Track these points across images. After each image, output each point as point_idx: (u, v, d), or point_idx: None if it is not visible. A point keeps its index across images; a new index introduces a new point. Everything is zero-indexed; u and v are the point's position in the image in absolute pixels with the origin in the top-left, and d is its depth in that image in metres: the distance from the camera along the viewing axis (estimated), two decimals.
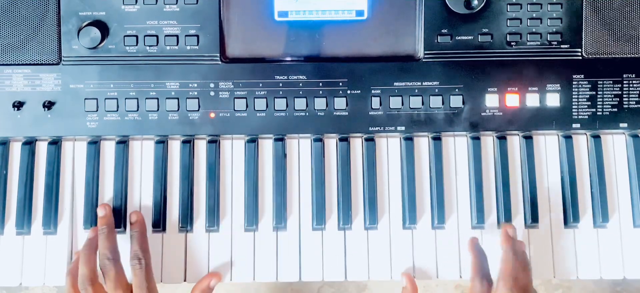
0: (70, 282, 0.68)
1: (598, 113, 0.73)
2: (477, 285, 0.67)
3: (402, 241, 0.73)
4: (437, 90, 0.73)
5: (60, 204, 0.73)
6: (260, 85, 0.73)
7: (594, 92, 0.73)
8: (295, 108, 0.73)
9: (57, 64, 0.73)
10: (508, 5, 0.73)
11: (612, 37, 0.73)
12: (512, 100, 0.73)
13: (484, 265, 0.68)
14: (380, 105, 0.73)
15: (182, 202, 0.73)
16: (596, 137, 0.74)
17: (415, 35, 0.74)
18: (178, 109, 0.73)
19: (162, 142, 0.74)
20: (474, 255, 0.70)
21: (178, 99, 0.73)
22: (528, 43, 0.73)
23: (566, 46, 0.73)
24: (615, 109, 0.73)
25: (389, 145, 0.75)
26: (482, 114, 0.74)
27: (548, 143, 0.75)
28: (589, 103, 0.73)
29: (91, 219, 0.72)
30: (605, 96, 0.73)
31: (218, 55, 0.73)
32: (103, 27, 0.72)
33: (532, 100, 0.73)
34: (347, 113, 0.74)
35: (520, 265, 0.67)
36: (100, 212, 0.71)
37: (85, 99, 0.73)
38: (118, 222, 0.72)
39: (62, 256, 0.72)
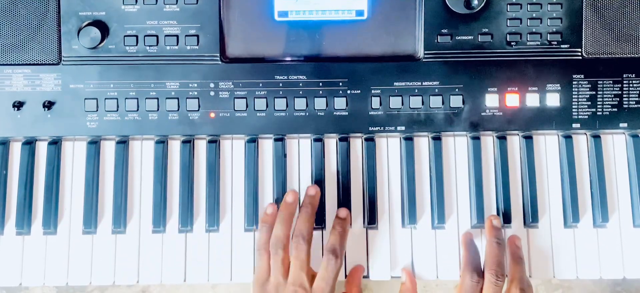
0: (266, 233, 0.69)
1: (598, 113, 0.73)
2: (467, 278, 0.67)
3: (402, 241, 0.73)
4: (437, 90, 0.73)
5: (60, 204, 0.73)
6: (260, 85, 0.73)
7: (594, 92, 0.73)
8: (295, 108, 0.73)
9: (57, 64, 0.73)
10: (508, 5, 0.73)
11: (612, 37, 0.73)
12: (512, 100, 0.73)
13: (474, 259, 0.69)
14: (380, 105, 0.73)
15: (182, 202, 0.73)
16: (596, 137, 0.74)
17: (415, 35, 0.74)
18: (178, 109, 0.73)
19: (162, 142, 0.74)
20: (465, 249, 0.70)
21: (178, 99, 0.73)
22: (528, 43, 0.73)
23: (566, 46, 0.73)
24: (615, 109, 0.73)
25: (389, 145, 0.75)
26: (482, 113, 0.74)
27: (548, 143, 0.75)
28: (589, 103, 0.73)
29: (91, 219, 0.72)
30: (605, 96, 0.73)
31: (218, 55, 0.73)
32: (103, 27, 0.72)
33: (532, 100, 0.73)
34: (347, 113, 0.74)
35: (513, 257, 0.69)
36: (312, 191, 0.72)
37: (85, 99, 0.73)
38: (118, 221, 0.72)
39: (61, 256, 0.72)
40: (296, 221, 0.70)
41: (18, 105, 0.73)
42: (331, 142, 0.75)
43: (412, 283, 0.71)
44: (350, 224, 0.72)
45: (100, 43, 0.72)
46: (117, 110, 0.73)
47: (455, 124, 0.74)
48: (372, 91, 0.73)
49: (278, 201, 0.73)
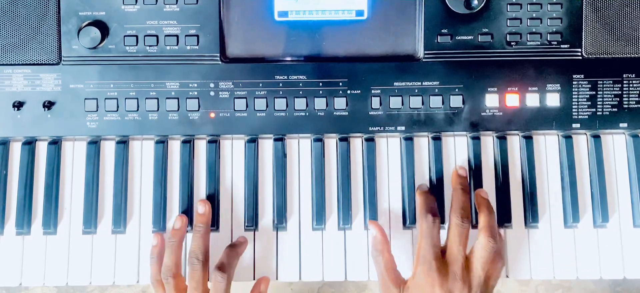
0: (155, 265, 0.70)
1: (598, 113, 0.73)
2: (424, 222, 0.67)
3: (401, 241, 0.73)
4: (437, 90, 0.73)
5: (60, 204, 0.73)
6: (260, 85, 0.73)
7: (594, 92, 0.73)
8: (295, 108, 0.73)
9: (57, 64, 0.73)
10: (508, 5, 0.73)
11: (612, 37, 0.73)
12: (512, 100, 0.73)
13: (431, 203, 0.69)
14: (380, 105, 0.73)
15: (182, 202, 0.73)
16: (596, 137, 0.74)
17: (415, 35, 0.74)
18: (178, 109, 0.73)
19: (162, 142, 0.74)
20: (420, 195, 0.71)
21: (178, 99, 0.73)
22: (528, 43, 0.73)
23: (566, 46, 0.73)
24: (615, 109, 0.73)
25: (389, 145, 0.75)
26: (482, 113, 0.74)
27: (548, 143, 0.75)
28: (589, 103, 0.73)
29: (91, 219, 0.72)
30: (605, 96, 0.73)
31: (218, 55, 0.73)
32: (103, 27, 0.72)
33: (532, 100, 0.73)
34: (347, 113, 0.74)
35: (482, 207, 0.69)
36: (201, 208, 0.71)
37: (85, 99, 0.73)
38: (118, 221, 0.72)
39: (61, 256, 0.72)
40: (191, 242, 0.70)
41: (18, 105, 0.73)
42: (331, 142, 0.75)
43: (383, 234, 0.70)
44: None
45: (100, 43, 0.72)
46: (117, 110, 0.73)
47: (455, 124, 0.74)
48: (372, 91, 0.73)
49: (278, 201, 0.73)
